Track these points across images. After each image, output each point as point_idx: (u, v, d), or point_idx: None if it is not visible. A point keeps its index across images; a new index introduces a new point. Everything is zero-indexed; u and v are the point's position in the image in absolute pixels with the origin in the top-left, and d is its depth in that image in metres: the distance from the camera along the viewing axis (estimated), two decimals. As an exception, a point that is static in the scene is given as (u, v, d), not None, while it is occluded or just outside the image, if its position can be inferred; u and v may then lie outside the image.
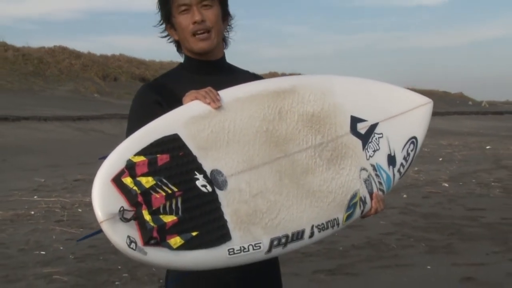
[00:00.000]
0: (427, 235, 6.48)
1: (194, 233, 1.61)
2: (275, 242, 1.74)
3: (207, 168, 1.68)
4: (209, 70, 1.94)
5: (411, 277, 5.00)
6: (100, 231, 1.58)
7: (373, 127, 2.04)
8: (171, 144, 1.65)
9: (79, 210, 7.61)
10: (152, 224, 1.57)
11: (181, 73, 1.96)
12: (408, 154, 2.14)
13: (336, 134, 1.94)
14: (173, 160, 1.64)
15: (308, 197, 1.84)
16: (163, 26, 1.97)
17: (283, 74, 42.18)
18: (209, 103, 1.72)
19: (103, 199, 1.55)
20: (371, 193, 1.97)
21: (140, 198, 1.57)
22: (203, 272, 1.86)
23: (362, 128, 2.01)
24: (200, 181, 1.65)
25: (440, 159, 14.33)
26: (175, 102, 1.82)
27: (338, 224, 1.89)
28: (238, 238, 1.68)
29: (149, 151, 1.62)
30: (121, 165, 1.58)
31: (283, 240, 1.76)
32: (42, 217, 7.18)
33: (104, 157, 1.66)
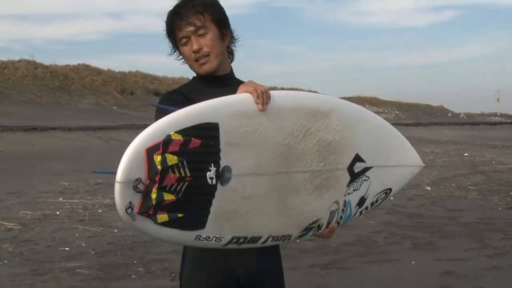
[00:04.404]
0: (412, 233, 6.45)
1: (180, 215, 1.59)
2: (234, 240, 1.73)
3: (223, 163, 1.64)
4: (219, 84, 1.92)
5: (397, 271, 4.97)
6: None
7: (366, 169, 1.99)
8: (209, 132, 1.61)
9: (99, 210, 7.60)
10: (154, 202, 1.55)
11: (195, 86, 1.95)
12: (377, 201, 2.11)
13: (336, 166, 1.89)
14: (202, 147, 1.60)
15: (281, 212, 1.80)
16: (176, 51, 1.97)
17: (282, 89, 42.13)
18: (258, 104, 1.68)
19: (130, 164, 1.52)
20: (329, 223, 1.92)
21: (157, 177, 1.54)
22: (215, 267, 1.87)
23: (358, 167, 1.97)
24: (211, 173, 1.62)
25: (423, 165, 14.29)
26: None
27: (288, 239, 1.86)
28: (209, 229, 1.66)
29: (188, 132, 1.58)
30: (161, 137, 1.55)
31: (241, 240, 1.74)
32: (66, 217, 7.16)
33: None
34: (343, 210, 1.96)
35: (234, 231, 1.71)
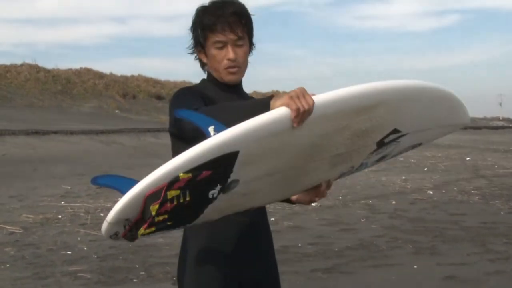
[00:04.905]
0: (414, 238, 6.44)
1: (169, 223, 1.47)
2: (221, 217, 1.65)
3: (231, 178, 1.46)
4: (231, 90, 1.92)
5: (399, 275, 4.97)
6: (117, 188, 1.44)
7: (400, 137, 1.72)
8: (224, 162, 1.40)
9: (101, 214, 7.59)
10: (139, 235, 1.45)
11: (209, 86, 1.92)
12: (400, 153, 1.90)
13: (364, 144, 1.65)
14: (211, 175, 1.41)
15: (284, 190, 1.67)
16: (199, 48, 1.92)
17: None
18: (294, 122, 1.45)
19: (125, 209, 1.40)
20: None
21: (149, 220, 1.42)
22: (217, 273, 1.84)
23: (390, 138, 1.70)
24: (214, 191, 1.46)
25: (425, 169, 14.27)
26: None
27: (281, 200, 1.80)
28: (197, 222, 1.56)
29: (201, 168, 1.38)
30: (168, 179, 1.37)
31: (230, 215, 1.68)
32: (68, 221, 7.16)
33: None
34: (357, 169, 1.81)
35: (223, 214, 1.63)
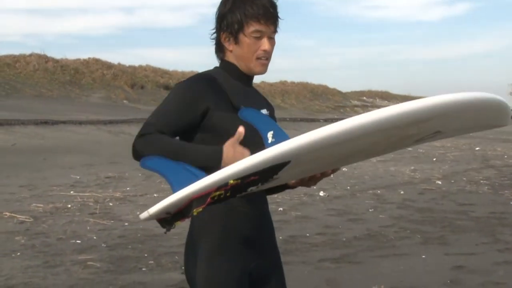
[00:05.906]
0: (422, 228, 6.43)
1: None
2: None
3: (273, 178, 1.50)
4: (245, 81, 1.93)
5: (408, 265, 4.97)
6: (163, 175, 1.55)
7: (438, 135, 1.72)
8: (273, 169, 1.42)
9: (110, 204, 7.64)
10: (174, 226, 1.52)
11: (224, 74, 1.91)
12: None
13: (403, 144, 1.69)
14: (258, 180, 1.45)
15: (307, 174, 1.75)
16: (228, 31, 1.90)
17: (292, 83, 41.82)
18: None
19: (169, 207, 1.45)
20: None
21: (188, 217, 1.49)
22: (232, 265, 1.83)
23: (429, 136, 1.69)
24: (254, 187, 1.50)
25: (434, 159, 14.22)
26: (224, 100, 1.82)
27: None
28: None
29: (250, 175, 1.41)
30: (217, 185, 1.41)
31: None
32: (77, 210, 7.21)
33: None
34: None
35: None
